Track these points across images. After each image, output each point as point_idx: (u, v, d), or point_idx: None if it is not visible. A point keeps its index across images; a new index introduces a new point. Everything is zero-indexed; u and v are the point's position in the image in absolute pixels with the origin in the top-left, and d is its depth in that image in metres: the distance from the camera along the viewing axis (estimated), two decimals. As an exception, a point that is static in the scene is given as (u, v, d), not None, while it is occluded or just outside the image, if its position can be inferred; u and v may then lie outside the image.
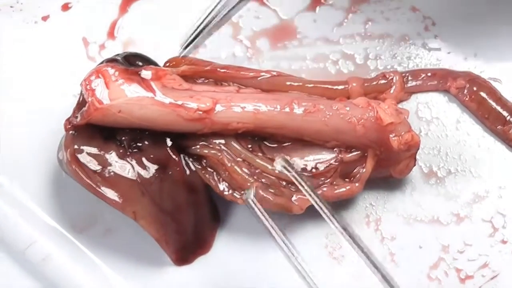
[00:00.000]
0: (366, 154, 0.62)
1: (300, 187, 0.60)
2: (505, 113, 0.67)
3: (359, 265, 0.63)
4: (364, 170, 0.62)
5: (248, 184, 0.61)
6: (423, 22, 0.71)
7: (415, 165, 0.64)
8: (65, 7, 0.73)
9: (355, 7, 0.72)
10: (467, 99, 0.67)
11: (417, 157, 0.64)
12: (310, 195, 0.59)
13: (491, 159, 0.66)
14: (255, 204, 0.60)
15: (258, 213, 0.60)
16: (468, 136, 0.67)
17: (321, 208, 0.58)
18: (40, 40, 0.72)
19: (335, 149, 0.62)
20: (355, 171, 0.63)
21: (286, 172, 0.60)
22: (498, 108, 0.67)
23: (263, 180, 0.62)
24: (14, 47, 0.72)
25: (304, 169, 0.62)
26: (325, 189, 0.62)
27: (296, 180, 0.59)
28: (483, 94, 0.67)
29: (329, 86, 0.66)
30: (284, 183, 0.62)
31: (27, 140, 0.68)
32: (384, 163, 0.63)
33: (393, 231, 0.65)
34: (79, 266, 0.65)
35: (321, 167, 0.62)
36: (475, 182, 0.66)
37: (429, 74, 0.69)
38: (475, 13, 0.70)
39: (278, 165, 0.61)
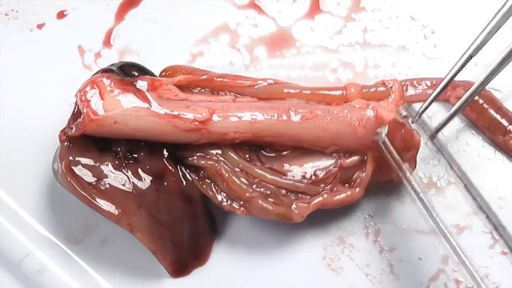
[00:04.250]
0: (365, 158, 0.62)
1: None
2: (505, 123, 0.66)
3: (357, 276, 0.63)
4: (364, 174, 0.62)
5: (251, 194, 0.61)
6: (422, 30, 0.70)
7: (415, 167, 0.63)
8: (61, 15, 0.73)
9: (353, 15, 0.71)
10: (467, 108, 0.67)
11: (417, 167, 0.63)
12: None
13: (492, 169, 0.66)
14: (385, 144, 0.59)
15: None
16: (468, 146, 0.67)
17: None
18: (36, 48, 0.72)
19: (333, 155, 0.62)
20: (355, 176, 0.62)
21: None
22: (498, 117, 0.66)
23: (262, 189, 0.61)
24: (9, 55, 0.71)
25: (303, 177, 0.61)
26: (325, 195, 0.61)
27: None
28: (483, 104, 0.67)
29: (327, 92, 0.65)
30: (283, 191, 0.61)
31: (22, 150, 0.68)
32: (385, 166, 0.62)
33: (392, 242, 0.64)
34: (74, 278, 0.65)
35: (321, 174, 0.62)
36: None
37: (428, 83, 0.68)
38: (474, 22, 0.69)
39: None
